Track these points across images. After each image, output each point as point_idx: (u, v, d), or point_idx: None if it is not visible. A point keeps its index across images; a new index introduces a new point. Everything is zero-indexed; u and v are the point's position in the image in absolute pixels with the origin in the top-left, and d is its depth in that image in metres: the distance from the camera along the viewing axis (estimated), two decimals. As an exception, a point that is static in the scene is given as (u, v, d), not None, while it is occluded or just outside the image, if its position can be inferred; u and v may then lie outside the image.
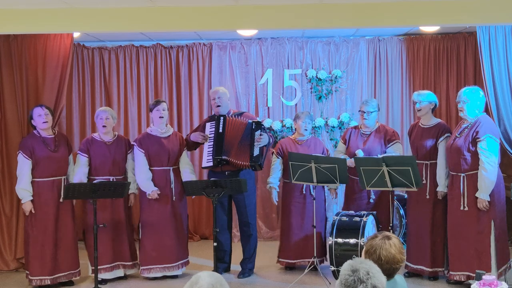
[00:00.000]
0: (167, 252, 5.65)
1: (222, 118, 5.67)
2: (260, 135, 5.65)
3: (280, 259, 6.02)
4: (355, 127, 5.99)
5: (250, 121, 5.72)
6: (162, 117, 5.67)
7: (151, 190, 5.59)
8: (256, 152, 5.65)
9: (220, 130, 5.63)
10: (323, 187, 5.91)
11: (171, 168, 5.68)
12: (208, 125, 5.80)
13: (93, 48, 7.48)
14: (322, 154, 5.90)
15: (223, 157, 5.57)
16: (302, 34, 7.21)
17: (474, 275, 4.95)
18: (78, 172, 5.53)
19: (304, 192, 5.86)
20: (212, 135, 5.68)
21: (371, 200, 5.73)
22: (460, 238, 5.16)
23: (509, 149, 5.95)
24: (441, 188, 5.37)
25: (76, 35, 6.44)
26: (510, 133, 5.94)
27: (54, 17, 5.16)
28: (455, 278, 5.23)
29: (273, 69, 7.41)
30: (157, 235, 5.64)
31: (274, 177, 5.98)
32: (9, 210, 6.07)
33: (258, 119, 7.25)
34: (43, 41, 5.94)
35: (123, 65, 7.49)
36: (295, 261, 5.91)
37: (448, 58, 7.30)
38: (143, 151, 5.62)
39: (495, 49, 5.88)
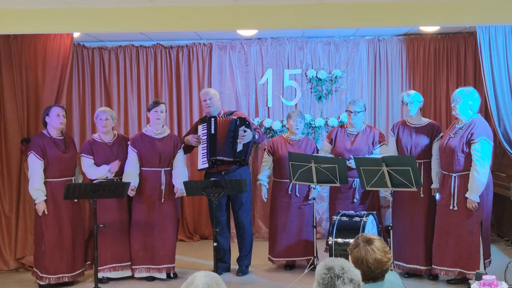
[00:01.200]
0: (151, 253, 5.64)
1: (213, 119, 5.68)
2: (244, 131, 5.66)
3: (269, 257, 6.06)
4: (341, 126, 6.00)
5: (235, 117, 5.75)
6: (159, 119, 5.67)
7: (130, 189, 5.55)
8: (239, 148, 5.66)
9: (212, 131, 5.65)
10: (309, 187, 5.92)
11: (162, 170, 5.65)
12: (200, 127, 5.82)
13: (93, 48, 7.47)
14: (313, 154, 5.91)
15: (217, 157, 5.59)
16: (302, 34, 7.21)
17: (458, 270, 5.13)
18: (97, 171, 5.52)
19: (289, 192, 5.88)
20: (205, 137, 5.70)
21: (355, 200, 5.75)
22: (448, 236, 5.20)
23: (509, 149, 5.95)
24: (436, 185, 5.40)
25: (76, 35, 6.44)
26: (510, 133, 5.95)
27: (54, 17, 5.16)
28: (436, 273, 5.32)
29: (273, 69, 7.41)
30: (143, 236, 5.64)
31: (263, 174, 6.02)
32: (9, 210, 6.07)
33: (257, 119, 7.28)
34: (43, 41, 5.94)
35: (123, 65, 7.48)
36: (281, 259, 5.97)
37: (448, 58, 7.30)
38: (136, 151, 5.63)
39: (495, 49, 5.88)
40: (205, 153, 5.66)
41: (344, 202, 5.78)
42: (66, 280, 5.49)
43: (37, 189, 5.39)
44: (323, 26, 5.48)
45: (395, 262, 5.58)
